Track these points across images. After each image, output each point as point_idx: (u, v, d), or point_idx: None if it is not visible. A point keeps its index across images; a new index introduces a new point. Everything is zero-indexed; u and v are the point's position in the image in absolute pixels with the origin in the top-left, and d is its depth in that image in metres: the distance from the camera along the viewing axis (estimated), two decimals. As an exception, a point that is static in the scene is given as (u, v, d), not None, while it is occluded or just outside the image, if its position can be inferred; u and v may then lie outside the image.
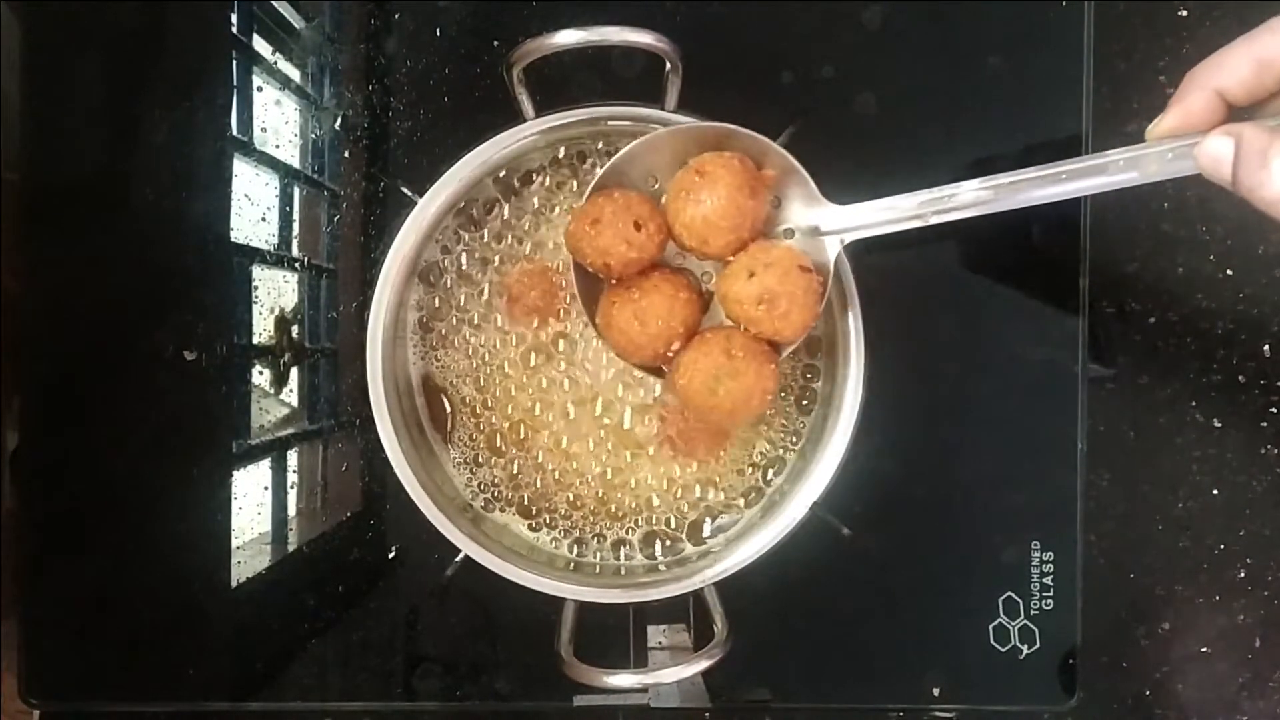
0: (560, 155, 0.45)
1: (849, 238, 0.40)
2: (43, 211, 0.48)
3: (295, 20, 0.49)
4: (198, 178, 0.48)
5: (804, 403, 0.46)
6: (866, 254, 0.42)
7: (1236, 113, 0.35)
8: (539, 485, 0.46)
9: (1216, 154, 0.34)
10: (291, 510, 0.49)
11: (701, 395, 0.39)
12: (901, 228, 0.39)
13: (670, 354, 0.40)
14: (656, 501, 0.46)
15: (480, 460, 0.46)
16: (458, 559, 0.43)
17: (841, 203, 0.40)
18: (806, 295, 0.39)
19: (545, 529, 0.46)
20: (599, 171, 0.41)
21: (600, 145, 0.45)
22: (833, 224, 0.40)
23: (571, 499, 0.46)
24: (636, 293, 0.40)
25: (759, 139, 0.40)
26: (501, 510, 0.46)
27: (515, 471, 0.46)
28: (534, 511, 0.46)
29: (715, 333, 0.40)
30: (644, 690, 0.47)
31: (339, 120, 0.48)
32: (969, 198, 0.38)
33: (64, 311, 0.48)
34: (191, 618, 0.48)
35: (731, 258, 0.40)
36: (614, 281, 0.41)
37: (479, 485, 0.46)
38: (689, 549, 0.46)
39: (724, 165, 0.39)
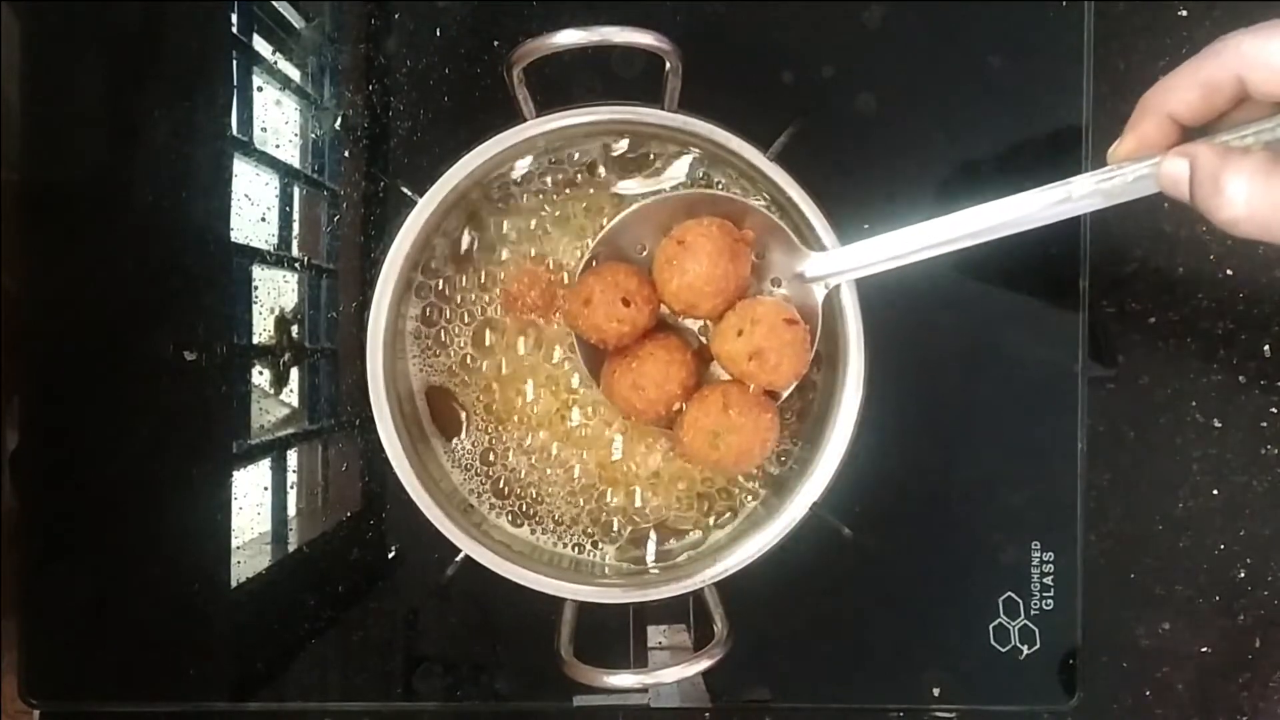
0: (561, 155, 0.45)
1: (832, 282, 0.42)
2: (43, 211, 0.48)
3: (295, 20, 0.49)
4: (198, 178, 0.48)
5: (804, 403, 0.46)
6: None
7: (1196, 130, 0.36)
8: (539, 485, 0.46)
9: (1174, 175, 0.35)
10: (291, 510, 0.49)
11: (704, 451, 0.41)
12: (879, 270, 0.41)
13: (674, 411, 0.43)
14: (657, 501, 0.46)
15: (480, 460, 0.46)
16: (458, 559, 0.43)
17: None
18: (795, 346, 0.41)
19: (545, 529, 0.46)
20: (589, 249, 0.43)
21: (598, 145, 0.45)
22: (815, 271, 0.42)
23: (571, 499, 0.46)
24: (634, 361, 0.42)
25: (737, 200, 0.42)
26: (501, 510, 0.46)
27: (515, 472, 0.46)
28: (533, 513, 0.46)
29: (713, 389, 0.42)
30: (644, 690, 0.47)
31: (339, 120, 0.48)
32: (941, 234, 0.39)
33: (64, 311, 0.48)
34: (191, 618, 0.48)
35: (719, 319, 0.42)
36: (613, 351, 0.43)
37: (479, 485, 0.46)
38: (689, 549, 0.46)
39: (703, 234, 0.41)
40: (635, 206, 0.43)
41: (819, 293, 0.42)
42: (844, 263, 0.41)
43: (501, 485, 0.46)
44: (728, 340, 0.41)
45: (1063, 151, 0.47)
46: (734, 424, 0.41)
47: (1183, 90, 0.35)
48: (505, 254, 0.46)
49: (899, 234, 0.40)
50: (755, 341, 0.40)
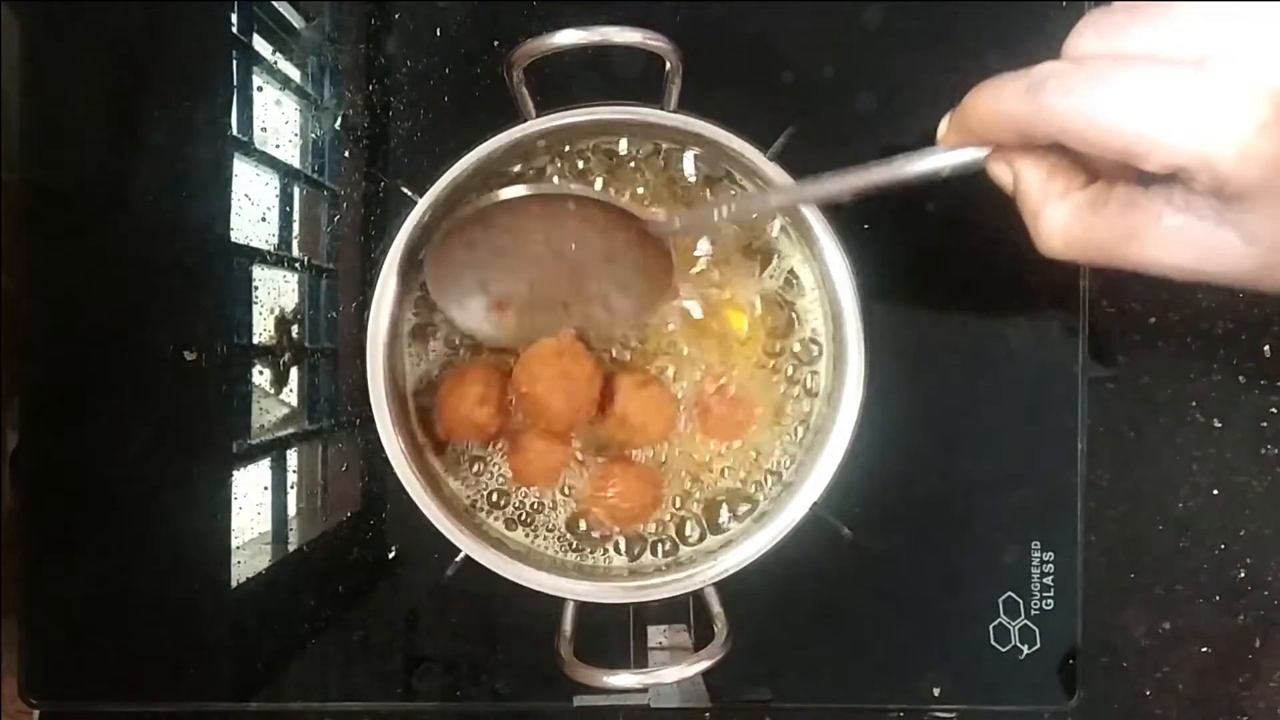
0: (561, 155, 0.45)
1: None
2: (43, 211, 0.48)
3: (295, 20, 0.49)
4: (198, 178, 0.48)
5: (804, 403, 0.46)
6: (866, 255, 0.42)
7: None
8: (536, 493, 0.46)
9: (1000, 179, 0.32)
10: (291, 510, 0.49)
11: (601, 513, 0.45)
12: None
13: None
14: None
15: (479, 460, 0.46)
16: (458, 559, 0.43)
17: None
18: (654, 403, 0.43)
19: (545, 529, 0.46)
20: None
21: (595, 144, 0.45)
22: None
23: (571, 498, 0.46)
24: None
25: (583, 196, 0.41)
26: (501, 510, 0.46)
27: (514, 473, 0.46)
28: (530, 520, 0.46)
29: (604, 466, 0.45)
30: (644, 690, 0.47)
31: (339, 120, 0.48)
32: (774, 201, 0.41)
33: (64, 311, 0.48)
34: (191, 618, 0.48)
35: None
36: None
37: (478, 485, 0.46)
38: (689, 550, 0.46)
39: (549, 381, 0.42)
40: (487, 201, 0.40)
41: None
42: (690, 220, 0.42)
43: (501, 484, 0.46)
44: (604, 416, 0.43)
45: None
46: (618, 495, 0.44)
47: (998, 121, 0.30)
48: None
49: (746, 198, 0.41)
50: (618, 409, 0.43)
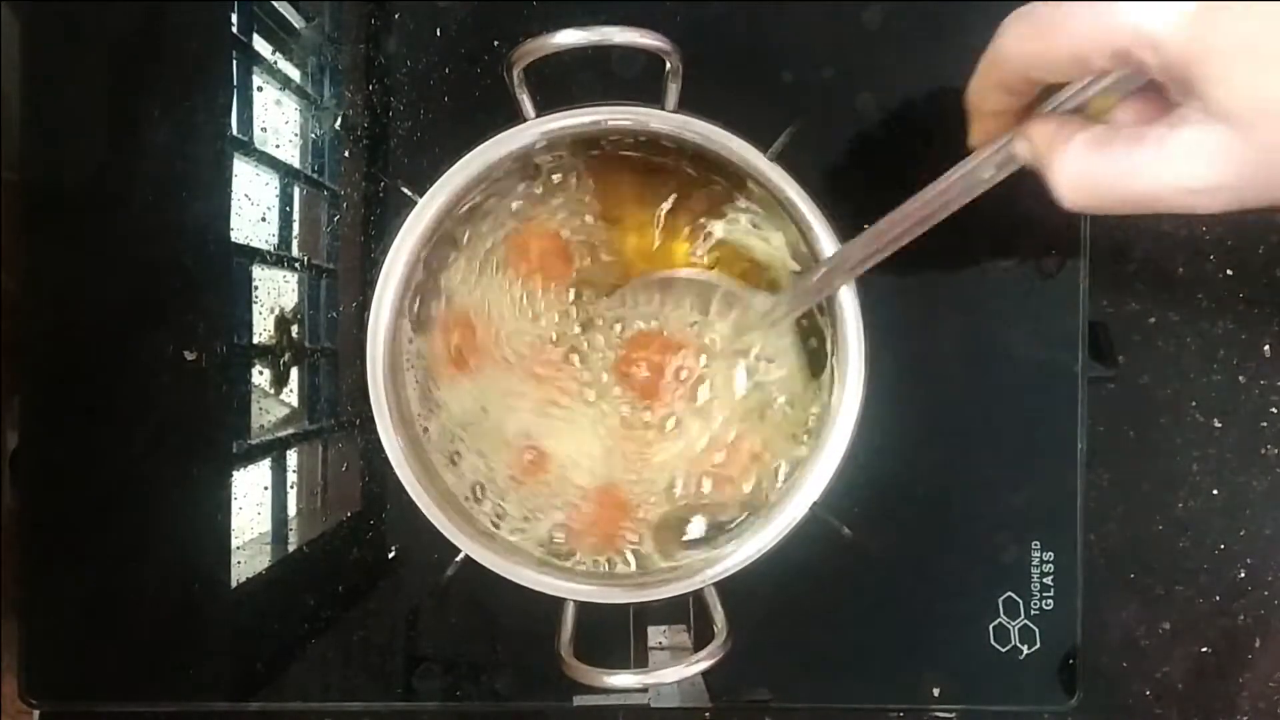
0: (561, 155, 0.45)
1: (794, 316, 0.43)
2: (43, 211, 0.48)
3: (295, 20, 0.49)
4: (198, 178, 0.48)
5: (803, 403, 0.46)
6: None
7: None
8: (538, 485, 0.46)
9: (1023, 156, 0.35)
10: (291, 510, 0.49)
11: None
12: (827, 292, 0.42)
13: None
14: (655, 500, 0.46)
15: (480, 460, 0.46)
16: (458, 559, 0.43)
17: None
18: None
19: (543, 529, 0.46)
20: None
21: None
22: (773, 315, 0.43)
23: (571, 497, 0.46)
24: None
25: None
26: (500, 510, 0.46)
27: (514, 472, 0.46)
28: (532, 516, 0.46)
29: None
30: (644, 690, 0.47)
31: (339, 120, 0.48)
32: (861, 251, 0.40)
33: (64, 311, 0.48)
34: (191, 618, 0.48)
35: None
36: None
37: (478, 486, 0.46)
38: (689, 549, 0.46)
39: None
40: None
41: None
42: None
43: (501, 483, 0.46)
44: None
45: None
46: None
47: (987, 94, 0.35)
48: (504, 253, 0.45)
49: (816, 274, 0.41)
50: None
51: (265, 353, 0.49)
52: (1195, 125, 0.29)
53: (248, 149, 0.48)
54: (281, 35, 0.49)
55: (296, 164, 0.49)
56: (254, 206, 0.48)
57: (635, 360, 0.45)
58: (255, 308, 0.48)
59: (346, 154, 0.48)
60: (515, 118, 0.42)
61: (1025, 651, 0.48)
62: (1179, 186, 0.30)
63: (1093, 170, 0.32)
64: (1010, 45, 0.33)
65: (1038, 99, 0.35)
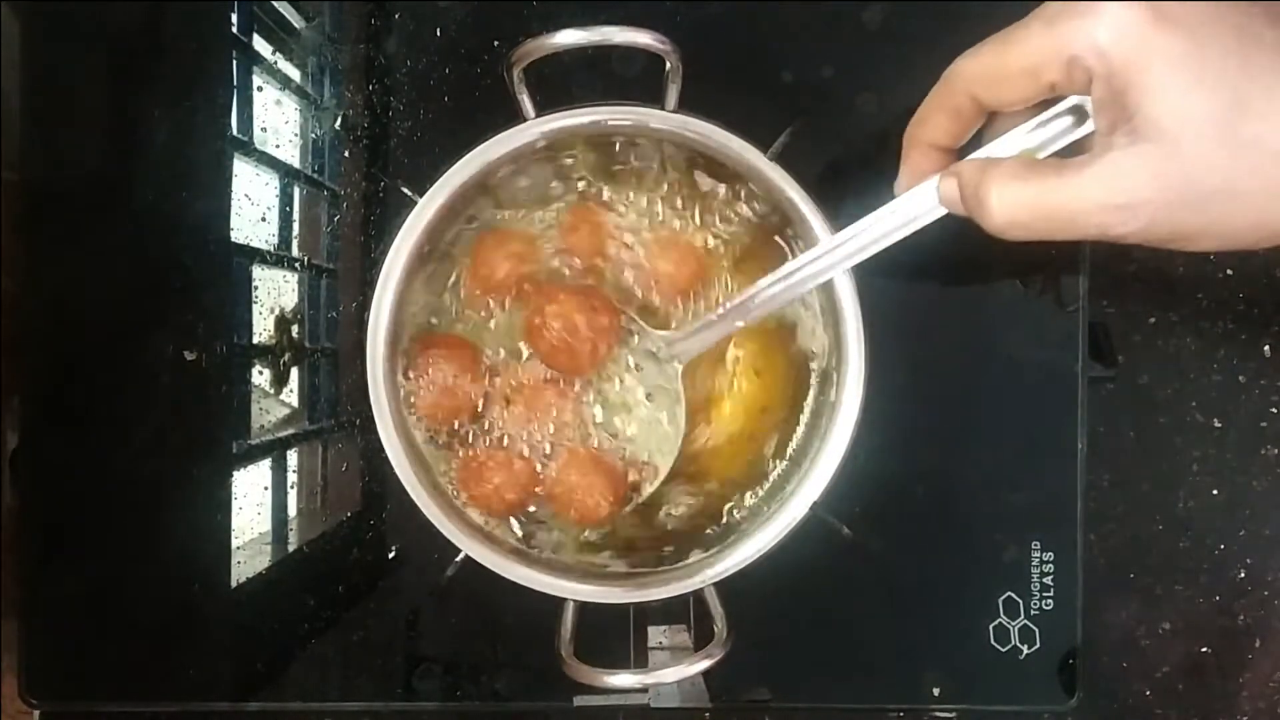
0: (560, 154, 0.45)
1: (685, 359, 0.43)
2: (43, 211, 0.48)
3: (295, 20, 0.49)
4: (198, 178, 0.48)
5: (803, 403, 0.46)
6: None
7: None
8: (537, 483, 0.46)
9: (948, 196, 0.36)
10: (291, 510, 0.49)
11: None
12: (724, 334, 0.42)
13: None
14: (654, 499, 0.46)
15: (479, 460, 0.46)
16: (458, 559, 0.43)
17: (837, 223, 0.41)
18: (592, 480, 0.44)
19: (544, 529, 0.46)
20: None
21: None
22: (667, 351, 0.43)
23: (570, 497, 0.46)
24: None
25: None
26: (501, 510, 0.46)
27: (513, 471, 0.46)
28: (532, 515, 0.46)
29: None
30: (644, 690, 0.47)
31: (339, 120, 0.48)
32: (762, 296, 0.40)
33: (64, 311, 0.48)
34: (191, 618, 0.48)
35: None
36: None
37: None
38: (689, 549, 0.46)
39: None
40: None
41: (675, 369, 0.43)
42: (684, 337, 0.42)
43: (501, 484, 0.46)
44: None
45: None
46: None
47: (932, 121, 0.37)
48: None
49: (727, 305, 0.41)
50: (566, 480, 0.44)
51: (265, 353, 0.49)
52: (1121, 149, 0.31)
53: (248, 149, 0.48)
54: (281, 35, 0.49)
55: (296, 164, 0.49)
56: (254, 206, 0.48)
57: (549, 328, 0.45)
58: (255, 308, 0.48)
59: (346, 154, 0.48)
60: (515, 118, 0.42)
61: (1025, 651, 0.48)
62: (1104, 203, 0.31)
63: (1021, 193, 0.33)
64: (965, 62, 0.35)
65: (965, 148, 0.37)
